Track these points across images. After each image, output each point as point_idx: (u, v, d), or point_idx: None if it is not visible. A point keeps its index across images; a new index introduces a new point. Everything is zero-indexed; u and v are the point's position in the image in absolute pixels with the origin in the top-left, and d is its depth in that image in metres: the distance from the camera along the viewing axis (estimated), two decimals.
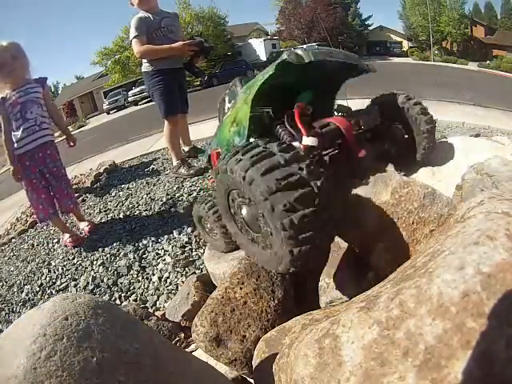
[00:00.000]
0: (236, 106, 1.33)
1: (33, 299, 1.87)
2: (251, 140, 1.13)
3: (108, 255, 1.95)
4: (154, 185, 2.73)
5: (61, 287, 1.86)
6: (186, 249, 1.78)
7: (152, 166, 3.26)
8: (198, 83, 18.07)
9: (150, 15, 2.49)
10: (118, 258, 1.89)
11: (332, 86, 1.47)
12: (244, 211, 0.88)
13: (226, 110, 1.52)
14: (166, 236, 1.94)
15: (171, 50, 2.44)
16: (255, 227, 0.87)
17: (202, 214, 1.35)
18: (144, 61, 2.53)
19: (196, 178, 2.54)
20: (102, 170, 3.45)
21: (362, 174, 1.14)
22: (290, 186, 0.72)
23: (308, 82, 1.35)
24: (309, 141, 1.08)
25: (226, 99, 1.57)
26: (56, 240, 2.39)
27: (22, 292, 1.96)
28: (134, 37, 2.44)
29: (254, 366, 0.81)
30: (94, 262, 1.93)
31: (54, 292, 1.85)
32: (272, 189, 0.71)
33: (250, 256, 0.97)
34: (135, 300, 1.58)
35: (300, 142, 1.10)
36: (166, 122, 2.61)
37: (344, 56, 1.18)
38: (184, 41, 2.49)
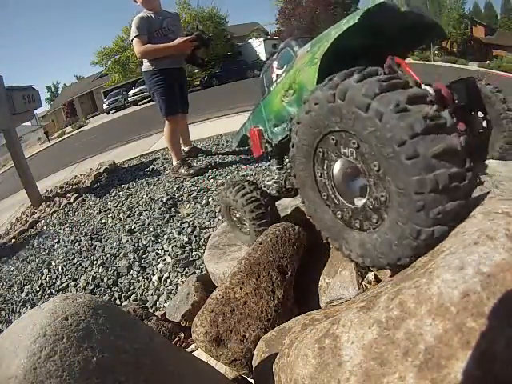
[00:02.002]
0: (294, 68, 1.08)
1: (33, 299, 1.87)
2: None
3: (108, 255, 1.95)
4: (154, 185, 2.73)
5: (61, 287, 1.86)
6: (186, 249, 1.78)
7: (152, 166, 3.27)
8: (198, 83, 18.08)
9: (152, 15, 2.49)
10: (117, 258, 1.89)
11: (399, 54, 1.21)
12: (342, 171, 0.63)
13: (275, 78, 1.25)
14: (165, 236, 1.94)
15: (171, 47, 2.44)
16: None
17: (230, 200, 1.17)
18: (145, 60, 2.54)
19: (196, 177, 2.54)
20: (102, 170, 3.46)
21: None
22: (438, 131, 0.52)
23: (372, 45, 1.05)
24: (429, 89, 0.86)
25: (274, 64, 1.28)
26: (56, 240, 2.40)
27: (22, 292, 1.97)
28: (135, 36, 2.45)
29: (254, 366, 0.81)
30: (94, 262, 1.93)
31: (54, 292, 1.85)
32: (415, 130, 0.51)
33: (332, 242, 0.74)
34: (135, 300, 1.58)
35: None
36: (166, 121, 2.62)
37: (430, 14, 0.98)
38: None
